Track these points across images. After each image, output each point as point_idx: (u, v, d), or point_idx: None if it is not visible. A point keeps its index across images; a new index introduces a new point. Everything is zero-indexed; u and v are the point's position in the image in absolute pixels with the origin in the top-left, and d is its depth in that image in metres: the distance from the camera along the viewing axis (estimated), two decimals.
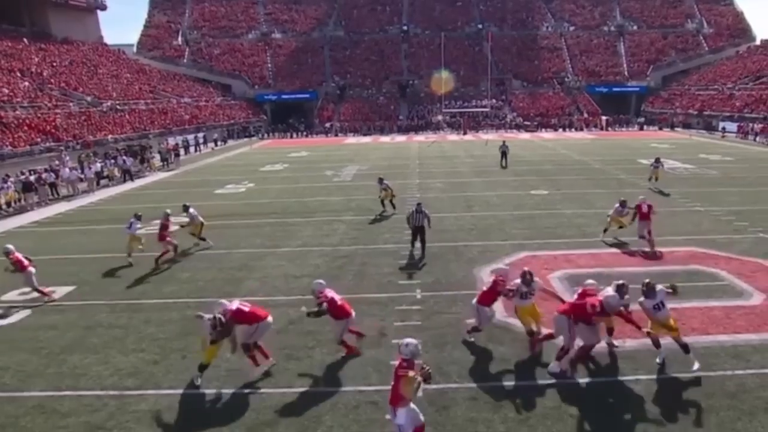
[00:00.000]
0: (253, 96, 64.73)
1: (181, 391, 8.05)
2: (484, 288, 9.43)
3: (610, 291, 8.23)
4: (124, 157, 29.79)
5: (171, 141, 40.27)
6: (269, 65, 68.76)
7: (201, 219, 15.65)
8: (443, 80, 57.48)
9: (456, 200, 20.78)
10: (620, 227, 14.74)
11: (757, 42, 66.77)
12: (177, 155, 35.51)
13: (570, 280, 11.75)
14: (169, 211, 15.12)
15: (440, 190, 22.96)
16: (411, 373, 6.03)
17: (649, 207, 13.98)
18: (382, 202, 19.06)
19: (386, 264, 13.42)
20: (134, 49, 68.18)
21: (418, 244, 14.01)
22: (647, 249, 13.72)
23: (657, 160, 23.19)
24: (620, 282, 8.30)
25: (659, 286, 8.12)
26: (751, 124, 44.18)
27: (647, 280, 8.23)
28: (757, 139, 41.53)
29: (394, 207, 18.96)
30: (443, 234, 15.71)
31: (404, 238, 15.07)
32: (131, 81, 52.52)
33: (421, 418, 6.32)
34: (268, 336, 9.70)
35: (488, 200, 20.62)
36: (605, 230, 15.01)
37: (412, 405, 6.16)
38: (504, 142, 31.18)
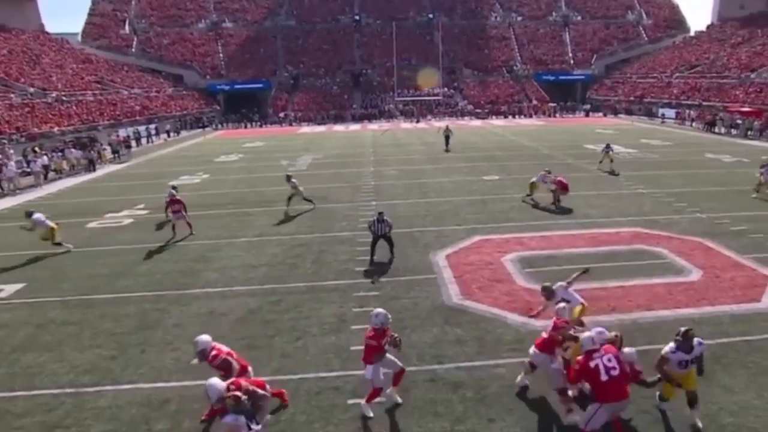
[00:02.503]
0: (205, 86, 63.03)
1: (141, 385, 7.85)
2: (544, 335, 7.29)
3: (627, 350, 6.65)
4: (73, 150, 28.58)
5: (122, 133, 38.88)
6: (221, 55, 67.05)
7: (50, 224, 14.36)
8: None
9: (410, 187, 20.89)
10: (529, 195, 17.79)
11: (692, 33, 69.45)
12: (128, 147, 34.33)
13: (522, 262, 12.02)
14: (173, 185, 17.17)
15: (395, 178, 23.02)
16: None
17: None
18: (289, 200, 17.63)
19: (343, 251, 13.40)
20: (79, 38, 65.22)
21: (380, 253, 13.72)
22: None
23: (608, 146, 24.02)
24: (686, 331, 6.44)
25: (697, 339, 6.44)
26: (687, 111, 45.92)
27: (687, 329, 6.43)
28: (693, 124, 43.22)
29: (310, 201, 18.03)
30: (399, 220, 15.71)
31: (360, 226, 15.08)
32: (77, 71, 50.28)
33: (382, 381, 7.05)
34: (226, 326, 9.61)
35: (442, 186, 20.81)
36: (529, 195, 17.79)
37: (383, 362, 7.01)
38: (447, 126, 32.55)
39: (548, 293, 8.30)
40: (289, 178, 18.06)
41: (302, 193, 17.84)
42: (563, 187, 17.03)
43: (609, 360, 5.86)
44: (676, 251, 12.46)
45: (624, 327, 8.79)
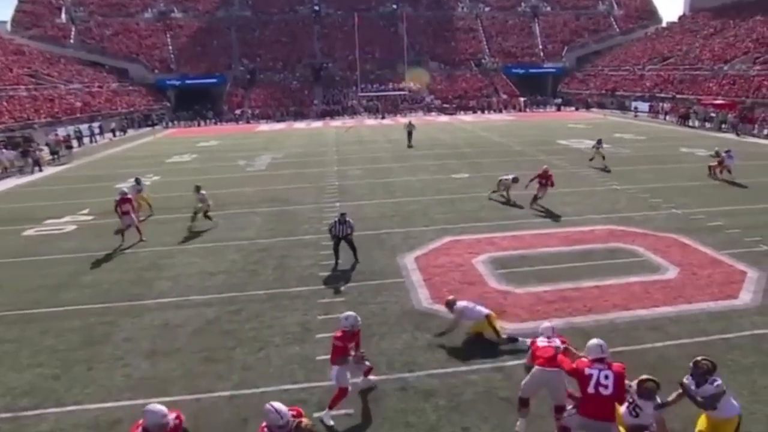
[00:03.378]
0: (153, 81, 61.96)
1: (88, 406, 7.65)
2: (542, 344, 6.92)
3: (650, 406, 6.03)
4: (5, 150, 27.69)
5: (61, 132, 37.81)
6: (170, 47, 66.01)
7: None
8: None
9: (376, 187, 20.95)
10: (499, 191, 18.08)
11: (664, 24, 71.61)
12: (69, 147, 33.40)
13: (495, 263, 12.19)
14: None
15: (359, 177, 23.05)
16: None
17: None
18: (195, 214, 16.53)
19: (307, 256, 13.34)
20: (8, 27, 63.10)
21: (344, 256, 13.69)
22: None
23: (599, 142, 24.25)
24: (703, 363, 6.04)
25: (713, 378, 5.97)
26: (660, 104, 47.32)
27: (703, 360, 6.04)
28: (667, 117, 44.55)
29: (211, 219, 16.57)
30: (364, 222, 15.76)
31: (323, 229, 15.00)
32: (7, 64, 48.58)
33: (348, 381, 7.26)
34: (182, 338, 9.46)
35: (409, 185, 20.94)
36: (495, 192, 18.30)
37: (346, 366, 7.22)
38: (410, 122, 33.43)
39: (449, 307, 8.99)
40: (198, 189, 16.68)
41: (209, 207, 16.60)
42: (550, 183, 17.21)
43: (606, 377, 5.73)
44: (652, 248, 12.82)
45: (601, 328, 9.02)
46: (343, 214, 12.66)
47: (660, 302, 9.97)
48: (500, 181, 18.19)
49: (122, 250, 14.45)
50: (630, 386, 5.60)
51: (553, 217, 15.99)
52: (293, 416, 5.26)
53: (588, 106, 57.18)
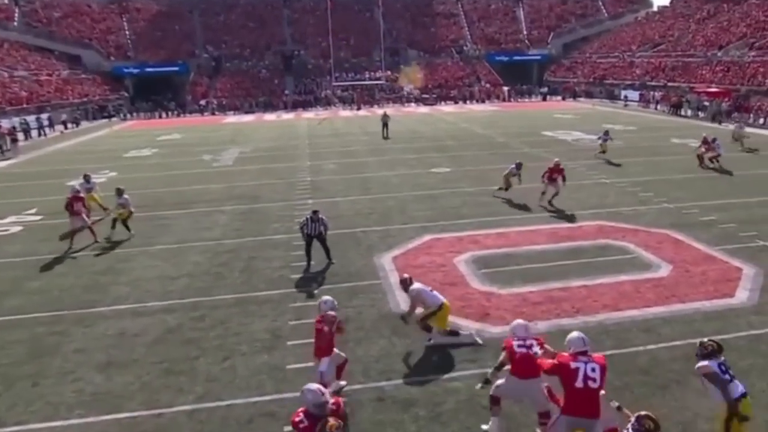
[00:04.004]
0: (109, 69, 61.08)
1: (33, 426, 7.42)
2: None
3: None
4: None
5: (5, 123, 37.00)
6: (127, 32, 65.14)
7: None
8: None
9: (351, 182, 20.89)
10: (507, 188, 17.61)
11: (654, 8, 72.58)
12: (14, 141, 32.60)
13: (478, 263, 12.19)
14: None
15: (334, 172, 22.97)
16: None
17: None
18: (115, 222, 15.46)
19: (277, 257, 13.22)
20: None
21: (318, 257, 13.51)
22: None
23: (606, 133, 24.25)
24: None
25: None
26: (651, 93, 47.98)
27: (709, 341, 6.17)
28: (658, 107, 45.19)
29: (128, 229, 15.54)
30: (339, 220, 15.68)
31: (295, 228, 14.84)
32: None
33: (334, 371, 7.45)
34: (141, 348, 9.28)
35: (387, 181, 20.92)
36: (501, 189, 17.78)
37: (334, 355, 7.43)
38: (385, 112, 34.31)
39: (403, 286, 9.02)
40: (120, 192, 15.67)
41: (131, 214, 15.58)
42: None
43: (593, 370, 5.66)
44: (643, 245, 12.93)
45: (589, 330, 9.01)
46: (315, 211, 12.56)
47: (652, 302, 10.05)
48: (505, 175, 17.78)
49: (73, 254, 14.17)
50: (630, 421, 5.52)
51: (540, 212, 16.07)
52: (333, 404, 5.28)
53: (575, 96, 57.76)
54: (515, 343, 6.60)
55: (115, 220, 15.53)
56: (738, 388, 5.89)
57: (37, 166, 28.00)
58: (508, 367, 6.63)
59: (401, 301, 10.50)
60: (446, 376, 8.11)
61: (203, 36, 66.85)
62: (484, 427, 6.91)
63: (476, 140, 30.51)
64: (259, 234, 15.09)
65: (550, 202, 16.61)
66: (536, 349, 6.55)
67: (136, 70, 61.51)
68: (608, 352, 8.39)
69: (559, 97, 59.05)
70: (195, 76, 61.69)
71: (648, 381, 7.72)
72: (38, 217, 17.85)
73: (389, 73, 61.75)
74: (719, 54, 46.89)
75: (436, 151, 27.14)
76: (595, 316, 9.61)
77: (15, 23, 61.73)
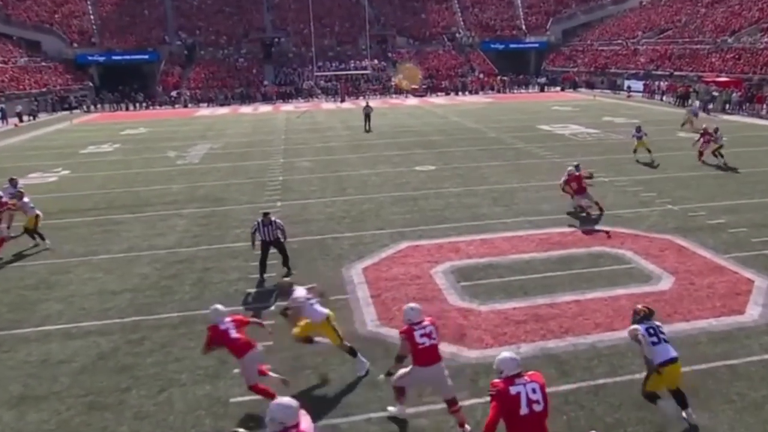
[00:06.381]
0: (72, 57, 60.01)
1: None
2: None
3: None
4: None
5: None
6: (92, 17, 64.13)
7: None
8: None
9: (326, 182, 20.30)
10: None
11: None
12: None
13: (457, 274, 11.59)
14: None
15: (308, 171, 22.36)
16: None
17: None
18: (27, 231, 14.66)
19: (234, 268, 12.61)
20: None
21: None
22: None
23: (638, 129, 22.55)
24: None
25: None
26: (656, 83, 47.56)
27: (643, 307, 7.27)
28: (664, 98, 44.76)
29: (37, 237, 14.67)
30: (308, 225, 15.11)
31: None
32: None
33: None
34: (65, 378, 8.59)
35: (365, 180, 20.34)
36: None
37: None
38: (368, 104, 34.67)
39: (282, 292, 8.71)
40: (13, 183, 15.54)
41: (37, 218, 14.72)
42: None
43: (534, 390, 5.39)
44: (643, 253, 12.36)
45: (579, 354, 8.46)
46: (266, 214, 11.97)
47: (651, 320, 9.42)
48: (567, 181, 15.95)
49: (3, 263, 13.49)
50: None
51: (530, 215, 15.43)
52: None
53: (575, 86, 57.39)
54: (416, 333, 6.84)
55: (26, 230, 14.70)
56: (667, 352, 6.75)
57: None
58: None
59: (368, 320, 9.91)
60: (412, 410, 7.46)
61: (175, 22, 65.93)
62: (391, 408, 7.24)
63: (466, 135, 29.94)
64: (218, 241, 14.44)
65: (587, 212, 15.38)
66: (435, 335, 6.94)
67: (101, 59, 60.53)
68: (600, 381, 7.88)
69: (558, 88, 58.62)
70: (166, 65, 60.76)
71: (645, 417, 7.09)
72: None
73: (376, 62, 61.07)
74: (730, 40, 46.51)
75: (422, 147, 26.55)
76: (586, 338, 8.99)
77: None
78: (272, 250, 12.04)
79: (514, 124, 33.29)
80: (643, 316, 7.04)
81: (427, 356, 6.80)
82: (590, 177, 15.75)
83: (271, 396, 6.87)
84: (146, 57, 61.31)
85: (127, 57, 60.90)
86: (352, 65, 60.93)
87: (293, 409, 4.82)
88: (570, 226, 14.44)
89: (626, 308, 9.79)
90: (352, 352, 8.33)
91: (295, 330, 8.35)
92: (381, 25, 66.82)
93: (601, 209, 15.19)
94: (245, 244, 13.90)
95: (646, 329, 6.88)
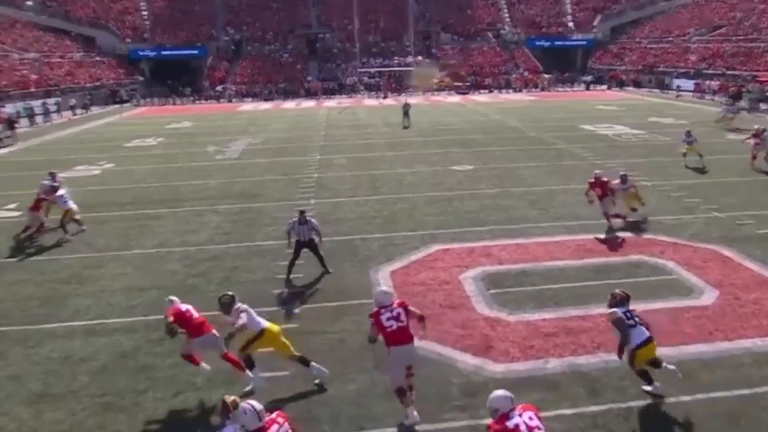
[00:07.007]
0: (125, 52, 61.15)
1: None
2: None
3: None
4: None
5: (10, 108, 37.00)
6: (145, 13, 65.15)
7: None
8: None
9: (360, 180, 19.98)
10: (633, 209, 14.39)
11: None
12: (12, 127, 32.35)
13: (487, 281, 11.09)
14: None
15: (344, 168, 22.10)
16: None
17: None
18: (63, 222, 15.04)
19: (261, 267, 12.40)
20: None
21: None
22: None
23: (688, 134, 21.34)
24: None
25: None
26: (708, 82, 45.84)
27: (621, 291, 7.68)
28: (715, 98, 43.04)
29: (62, 230, 14.95)
30: (338, 225, 14.79)
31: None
32: None
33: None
34: (84, 377, 8.45)
35: (400, 179, 19.94)
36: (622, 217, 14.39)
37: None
38: (407, 101, 34.95)
39: (224, 306, 8.02)
40: (50, 188, 15.37)
41: (68, 214, 15.06)
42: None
43: (531, 418, 5.26)
44: (685, 263, 11.64)
45: (611, 372, 7.90)
46: (302, 212, 11.68)
47: (691, 338, 8.80)
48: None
49: (38, 256, 13.56)
50: None
51: (566, 220, 14.76)
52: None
53: (622, 85, 55.75)
54: (383, 317, 7.10)
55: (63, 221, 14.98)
56: (642, 334, 7.22)
57: (33, 155, 27.74)
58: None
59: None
60: (430, 427, 7.08)
61: (224, 17, 66.52)
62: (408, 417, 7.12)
63: (506, 134, 29.24)
64: (248, 239, 14.26)
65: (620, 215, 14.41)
66: (404, 317, 7.14)
67: (152, 54, 61.47)
68: (632, 403, 7.34)
69: (604, 86, 57.07)
70: (213, 60, 61.35)
71: None
72: (16, 213, 17.25)
73: (420, 58, 60.46)
74: None
75: (461, 145, 25.98)
76: None
77: (30, 2, 62.08)
78: (305, 251, 11.78)
79: (556, 124, 32.42)
80: (620, 300, 7.44)
81: (396, 337, 7.04)
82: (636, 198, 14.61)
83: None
84: (195, 52, 61.98)
85: (177, 52, 61.65)
86: (396, 61, 60.45)
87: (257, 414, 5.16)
88: (608, 232, 13.76)
89: (665, 324, 9.21)
90: (304, 362, 7.99)
91: (246, 346, 7.96)
92: (426, 21, 66.15)
93: (623, 218, 14.17)
94: (274, 243, 13.75)
95: (623, 313, 7.30)
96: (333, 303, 10.49)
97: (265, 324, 7.97)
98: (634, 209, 14.41)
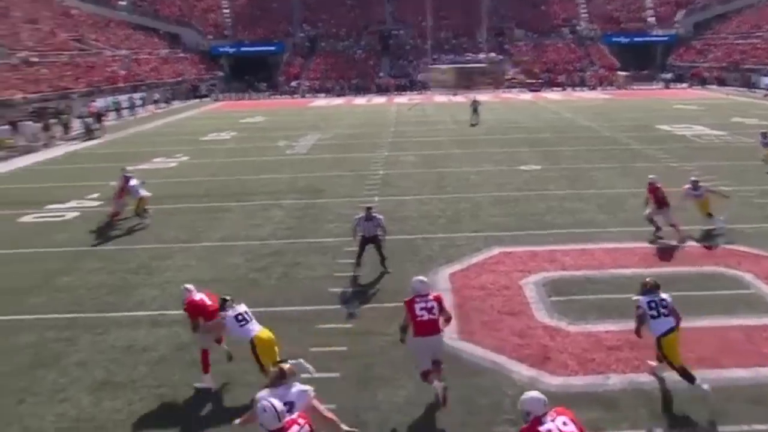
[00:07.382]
0: (207, 48, 62.89)
1: None
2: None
3: None
4: (29, 123, 28.34)
5: (100, 103, 38.58)
6: (226, 11, 66.72)
7: None
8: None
9: (426, 178, 19.67)
10: (709, 214, 13.38)
11: None
12: (100, 120, 33.71)
13: (548, 287, 10.61)
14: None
15: (410, 165, 21.84)
16: None
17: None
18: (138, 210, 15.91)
19: (322, 264, 12.30)
20: None
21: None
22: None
23: (765, 135, 20.15)
24: None
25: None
26: None
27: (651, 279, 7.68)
28: None
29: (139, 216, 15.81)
30: (402, 224, 14.53)
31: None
32: (53, 28, 50.19)
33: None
34: (143, 367, 8.56)
35: (466, 178, 19.54)
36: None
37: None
38: (475, 98, 34.58)
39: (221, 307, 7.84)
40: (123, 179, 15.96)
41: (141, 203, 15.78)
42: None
43: (565, 423, 4.94)
44: (765, 276, 10.79)
45: (677, 393, 7.34)
46: (369, 208, 11.57)
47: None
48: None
49: (110, 245, 13.95)
50: None
51: (637, 226, 13.94)
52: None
53: (704, 83, 52.98)
54: (417, 306, 7.17)
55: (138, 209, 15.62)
56: (666, 324, 7.13)
57: (116, 147, 28.77)
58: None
59: (448, 332, 9.13)
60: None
61: (300, 14, 67.33)
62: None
63: (578, 133, 28.26)
64: (310, 234, 14.25)
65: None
66: (436, 309, 7.19)
67: (232, 50, 62.91)
68: (698, 429, 6.73)
69: (685, 85, 54.50)
70: (289, 56, 62.25)
71: None
72: (97, 203, 17.92)
73: (492, 54, 59.44)
74: None
75: (529, 144, 25.27)
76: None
77: (123, 2, 64.74)
78: (369, 246, 11.65)
79: (630, 123, 31.05)
80: (649, 288, 7.31)
81: (424, 328, 7.12)
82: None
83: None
84: (272, 48, 63.04)
85: (255, 48, 62.91)
86: (468, 58, 59.62)
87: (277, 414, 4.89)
88: (681, 241, 12.96)
89: (739, 342, 8.55)
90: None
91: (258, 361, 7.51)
92: (500, 18, 64.98)
93: (681, 236, 12.86)
94: (336, 240, 13.65)
95: (648, 303, 7.21)
96: (390, 304, 10.19)
97: (254, 332, 7.60)
98: (710, 214, 13.49)
